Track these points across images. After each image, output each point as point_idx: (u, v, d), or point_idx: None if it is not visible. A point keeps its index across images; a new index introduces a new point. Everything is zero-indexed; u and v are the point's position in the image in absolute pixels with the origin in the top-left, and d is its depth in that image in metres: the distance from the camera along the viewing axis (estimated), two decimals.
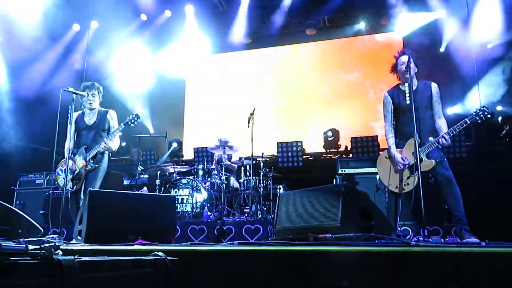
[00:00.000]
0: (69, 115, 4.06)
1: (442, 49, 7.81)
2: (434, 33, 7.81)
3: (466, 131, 6.44)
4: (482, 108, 3.66)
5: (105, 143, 4.28)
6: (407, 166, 3.88)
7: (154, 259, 1.44)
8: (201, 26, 8.98)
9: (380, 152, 6.19)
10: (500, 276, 1.47)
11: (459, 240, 3.64)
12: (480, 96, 6.89)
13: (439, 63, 7.33)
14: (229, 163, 6.53)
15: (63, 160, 4.36)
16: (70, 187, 4.27)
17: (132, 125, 4.50)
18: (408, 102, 3.91)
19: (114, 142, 4.45)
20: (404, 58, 3.99)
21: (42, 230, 3.57)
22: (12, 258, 0.95)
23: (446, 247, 1.81)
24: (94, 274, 1.07)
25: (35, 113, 7.12)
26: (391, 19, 8.23)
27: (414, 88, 3.93)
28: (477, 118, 3.65)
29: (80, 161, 4.32)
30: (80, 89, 4.36)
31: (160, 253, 1.53)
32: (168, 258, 1.53)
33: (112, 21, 8.14)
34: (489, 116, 3.63)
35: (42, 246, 1.20)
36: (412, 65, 3.91)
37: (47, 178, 6.46)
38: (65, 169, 4.07)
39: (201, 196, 5.82)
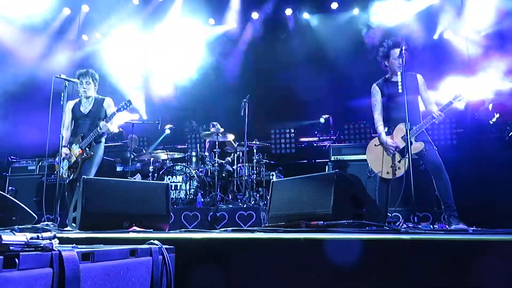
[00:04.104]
0: (62, 102, 4.03)
1: (435, 37, 7.81)
2: (428, 21, 7.80)
3: (458, 118, 6.51)
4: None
5: (104, 124, 4.26)
6: (397, 149, 4.03)
7: (151, 248, 1.47)
8: (195, 10, 8.84)
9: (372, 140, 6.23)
10: (486, 263, 1.53)
11: (447, 227, 3.74)
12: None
13: (432, 51, 7.35)
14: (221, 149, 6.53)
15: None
16: (68, 176, 4.28)
17: (124, 111, 4.49)
18: (400, 91, 3.95)
19: (113, 125, 4.42)
20: (398, 51, 3.98)
21: (36, 217, 3.58)
22: (12, 249, 0.97)
23: (435, 235, 1.87)
24: (93, 264, 1.10)
25: (27, 100, 7.03)
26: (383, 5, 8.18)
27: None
28: (461, 99, 3.89)
29: (76, 150, 4.32)
30: (75, 77, 4.32)
31: (156, 241, 1.56)
32: (164, 246, 1.56)
33: (104, 5, 8.00)
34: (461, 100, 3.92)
35: (41, 237, 1.22)
36: (405, 55, 3.94)
37: (40, 164, 6.43)
38: (62, 158, 4.08)
39: (195, 182, 5.85)
